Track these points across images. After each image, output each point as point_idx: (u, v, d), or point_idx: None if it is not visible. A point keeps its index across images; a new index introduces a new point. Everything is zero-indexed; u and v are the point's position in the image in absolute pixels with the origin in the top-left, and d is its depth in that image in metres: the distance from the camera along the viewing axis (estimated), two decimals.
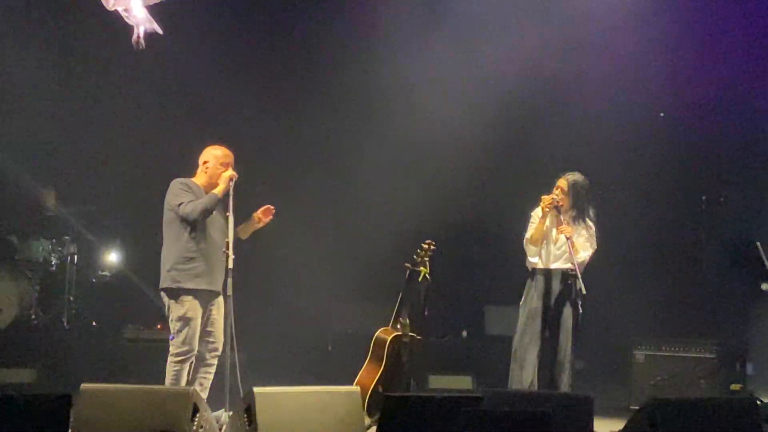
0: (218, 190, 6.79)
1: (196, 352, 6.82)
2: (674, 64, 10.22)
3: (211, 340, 6.88)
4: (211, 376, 6.96)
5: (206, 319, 6.86)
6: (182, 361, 6.77)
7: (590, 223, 7.72)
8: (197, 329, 6.80)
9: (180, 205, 6.75)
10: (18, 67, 10.05)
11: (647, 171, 10.54)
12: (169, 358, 6.78)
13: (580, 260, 7.50)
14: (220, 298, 6.90)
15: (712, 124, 10.40)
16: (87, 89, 10.26)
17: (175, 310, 6.78)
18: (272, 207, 7.12)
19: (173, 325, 6.82)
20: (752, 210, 10.06)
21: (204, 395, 6.78)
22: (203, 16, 10.00)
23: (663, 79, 10.26)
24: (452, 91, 10.30)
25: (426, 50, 10.25)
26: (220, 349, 6.92)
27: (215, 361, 6.96)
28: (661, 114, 10.22)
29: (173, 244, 6.81)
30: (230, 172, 6.84)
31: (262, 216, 7.11)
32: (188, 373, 6.82)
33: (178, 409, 5.67)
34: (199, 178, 6.98)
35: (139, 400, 5.70)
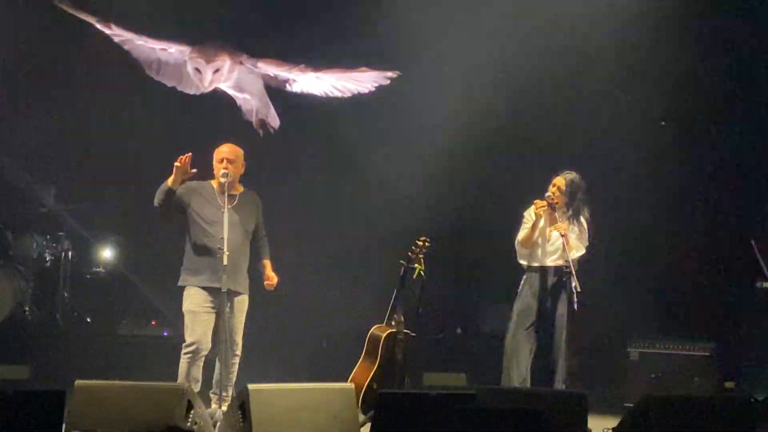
0: (169, 180, 6.87)
1: (204, 348, 6.85)
2: (672, 62, 10.24)
3: (225, 339, 6.89)
4: (233, 377, 7.00)
5: (224, 319, 6.87)
6: (191, 356, 6.83)
7: (583, 222, 7.74)
8: (201, 324, 6.85)
9: None
10: (16, 64, 10.03)
11: (643, 167, 10.55)
12: (181, 353, 6.88)
13: (573, 258, 7.53)
14: (237, 299, 6.97)
15: (708, 121, 10.41)
16: (83, 85, 10.23)
17: (184, 304, 6.95)
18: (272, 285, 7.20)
19: (185, 319, 6.93)
20: (747, 207, 10.07)
21: (228, 394, 6.83)
22: (199, 12, 9.98)
23: (659, 78, 10.27)
24: (448, 89, 10.28)
25: (426, 47, 10.24)
26: (238, 351, 7.00)
27: (236, 360, 7.01)
28: (662, 123, 10.18)
29: (184, 243, 7.02)
30: (178, 163, 6.85)
31: (268, 283, 7.21)
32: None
33: (173, 406, 5.67)
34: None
35: (134, 396, 5.70)
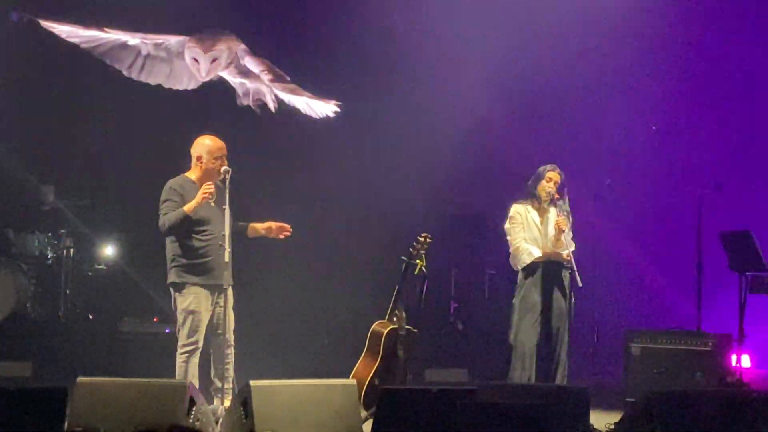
0: (188, 207, 6.77)
1: (201, 345, 6.84)
2: (672, 59, 10.26)
3: (221, 333, 6.89)
4: (231, 369, 6.99)
5: (215, 314, 6.88)
6: (188, 355, 6.82)
7: (570, 213, 7.79)
8: (202, 322, 6.84)
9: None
10: (17, 62, 10.02)
11: (644, 161, 10.56)
12: (177, 353, 6.86)
13: (569, 252, 7.56)
14: (227, 292, 6.94)
15: (709, 115, 10.41)
16: (84, 83, 10.23)
17: (180, 303, 6.87)
18: (290, 228, 7.19)
19: (178, 319, 6.89)
20: (747, 199, 10.07)
21: (228, 386, 6.83)
22: (196, 8, 9.99)
23: (659, 73, 10.29)
24: (449, 86, 10.30)
25: (427, 46, 10.26)
26: (233, 341, 7.00)
27: (231, 352, 6.99)
28: (654, 127, 10.11)
29: (176, 239, 6.88)
30: (207, 187, 6.76)
31: (276, 231, 7.19)
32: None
33: (175, 402, 5.68)
34: (194, 173, 6.99)
35: (136, 393, 5.71)
